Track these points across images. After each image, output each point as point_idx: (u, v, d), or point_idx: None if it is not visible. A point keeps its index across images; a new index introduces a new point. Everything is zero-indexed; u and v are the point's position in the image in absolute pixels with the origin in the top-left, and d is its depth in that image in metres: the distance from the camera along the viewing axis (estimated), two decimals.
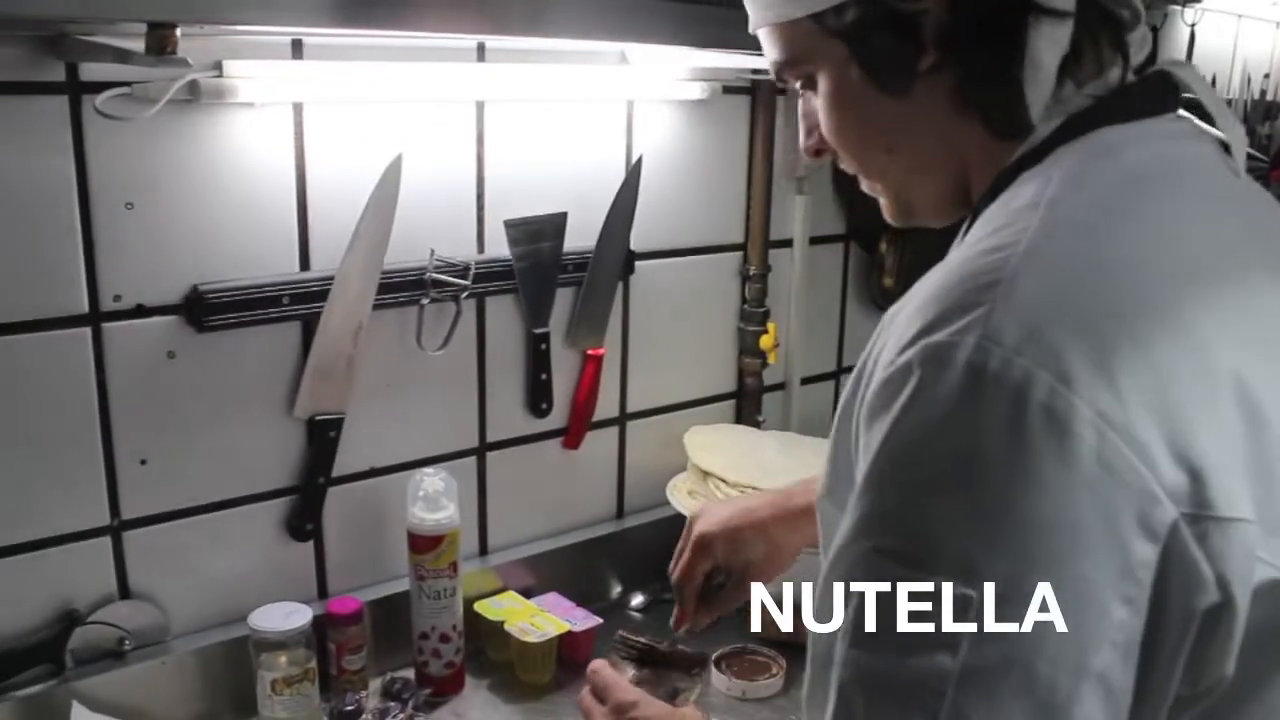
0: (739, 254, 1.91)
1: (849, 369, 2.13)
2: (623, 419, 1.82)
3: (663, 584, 1.78)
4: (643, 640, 1.19)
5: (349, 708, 1.42)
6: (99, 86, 1.22)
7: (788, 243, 1.96)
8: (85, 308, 1.28)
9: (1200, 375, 0.67)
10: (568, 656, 1.57)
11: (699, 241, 1.85)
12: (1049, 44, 0.76)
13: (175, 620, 1.41)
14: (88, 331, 1.29)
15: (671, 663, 1.19)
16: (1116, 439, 0.62)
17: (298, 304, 1.41)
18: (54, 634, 1.31)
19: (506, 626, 1.54)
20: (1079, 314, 0.66)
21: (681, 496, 1.75)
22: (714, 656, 1.55)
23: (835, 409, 2.17)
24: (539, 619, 1.56)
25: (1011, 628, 0.62)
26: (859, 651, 0.67)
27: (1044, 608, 0.62)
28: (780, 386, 2.03)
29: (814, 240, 1.99)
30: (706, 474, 1.72)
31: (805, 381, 2.05)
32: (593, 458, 1.79)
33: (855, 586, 0.68)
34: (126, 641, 1.37)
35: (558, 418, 1.72)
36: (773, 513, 1.26)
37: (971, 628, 0.62)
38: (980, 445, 0.63)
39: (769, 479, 1.66)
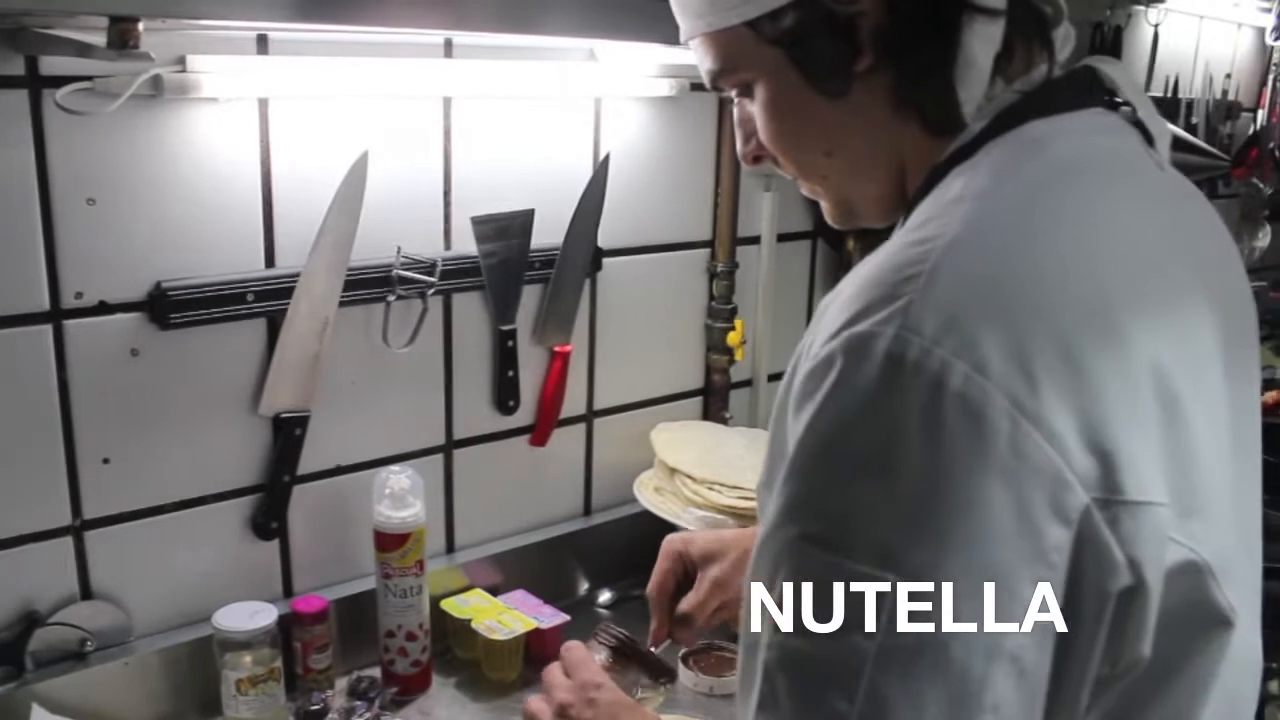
0: (706, 251, 1.91)
1: None
2: (590, 416, 1.82)
3: (631, 580, 1.79)
4: (625, 634, 1.18)
5: (315, 707, 1.41)
6: (60, 81, 1.20)
7: (755, 240, 1.96)
8: (46, 305, 1.26)
9: (1116, 363, 0.68)
10: (535, 654, 1.57)
11: (667, 238, 1.85)
12: (982, 42, 0.78)
13: (138, 620, 1.40)
14: (49, 329, 1.27)
15: (644, 663, 1.19)
16: (1029, 426, 0.64)
17: (263, 301, 1.39)
18: (14, 635, 1.30)
19: (474, 624, 1.53)
20: (997, 305, 0.67)
21: (648, 493, 1.75)
22: (681, 653, 1.55)
23: None
24: (506, 616, 1.56)
25: (926, 610, 0.64)
26: (783, 635, 0.69)
27: (958, 592, 0.64)
28: (747, 383, 2.04)
29: (781, 237, 2.00)
30: (674, 470, 1.72)
31: (772, 378, 2.05)
32: (560, 455, 1.79)
33: (780, 570, 0.69)
34: (88, 643, 1.35)
35: (525, 415, 1.72)
36: (741, 529, 1.27)
37: (887, 611, 0.64)
38: (897, 434, 0.65)
39: (736, 475, 1.66)
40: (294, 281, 1.41)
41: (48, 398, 1.28)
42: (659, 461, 1.77)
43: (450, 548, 1.69)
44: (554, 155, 1.66)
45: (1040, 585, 0.65)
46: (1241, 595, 0.77)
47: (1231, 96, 2.90)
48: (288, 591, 1.53)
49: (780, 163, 0.90)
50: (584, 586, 1.80)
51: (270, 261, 1.41)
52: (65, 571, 1.34)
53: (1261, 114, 2.96)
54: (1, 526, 1.28)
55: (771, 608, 0.70)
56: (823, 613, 0.67)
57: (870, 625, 0.65)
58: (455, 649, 1.59)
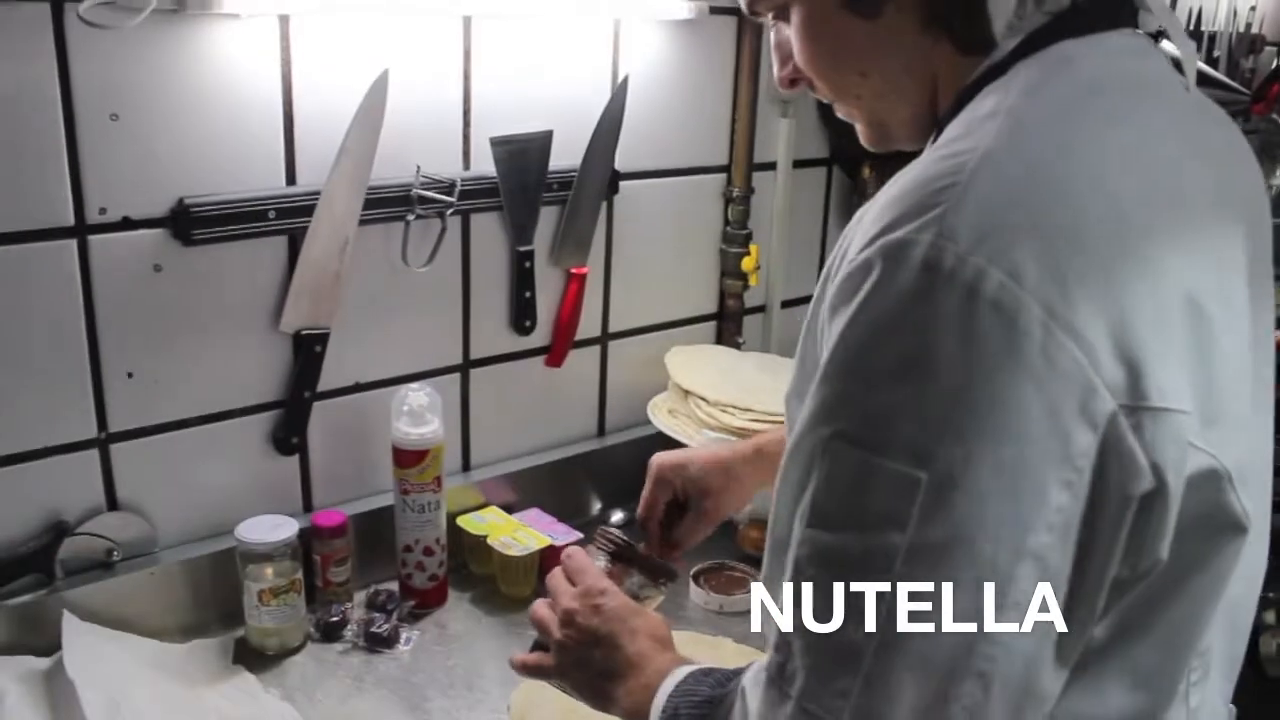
0: (723, 176, 1.91)
1: None
2: (605, 338, 1.83)
3: None
4: (624, 537, 1.20)
5: (334, 619, 1.45)
6: None
7: (771, 166, 1.96)
8: (71, 220, 1.27)
9: (1145, 276, 0.70)
10: (549, 570, 1.60)
11: (683, 163, 1.85)
12: None
13: (163, 532, 1.43)
14: (73, 244, 1.28)
15: (643, 566, 1.21)
16: (1061, 334, 0.66)
17: (284, 219, 1.40)
18: (44, 544, 1.33)
19: (489, 541, 1.56)
20: (1032, 216, 0.69)
21: (662, 415, 1.77)
22: (692, 571, 1.58)
23: None
24: (521, 534, 1.59)
25: (957, 507, 0.66)
26: (815, 530, 0.72)
27: (988, 490, 0.66)
28: (761, 309, 2.05)
29: (797, 164, 2.00)
30: (687, 393, 1.74)
31: (785, 305, 2.07)
32: (575, 376, 1.80)
33: (814, 469, 0.72)
34: (115, 552, 1.39)
35: (541, 336, 1.73)
36: (732, 450, 1.29)
37: (919, 508, 0.67)
38: (932, 337, 0.67)
39: (749, 398, 1.68)
40: (315, 199, 1.42)
41: (73, 312, 1.30)
42: (673, 384, 1.79)
43: (466, 466, 1.71)
44: (573, 77, 1.65)
45: (1066, 487, 0.67)
46: (1256, 504, 0.79)
47: (1255, 29, 2.86)
48: (307, 506, 1.56)
49: (815, 85, 0.91)
50: (597, 506, 1.83)
51: (291, 179, 1.42)
52: (92, 483, 1.37)
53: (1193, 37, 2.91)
54: (30, 438, 1.31)
55: (805, 505, 0.72)
56: (857, 508, 0.69)
57: (903, 521, 0.67)
58: (471, 564, 1.62)
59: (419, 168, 1.50)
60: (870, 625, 0.69)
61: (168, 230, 1.34)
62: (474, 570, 1.61)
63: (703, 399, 1.71)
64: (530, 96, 1.61)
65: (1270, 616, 1.91)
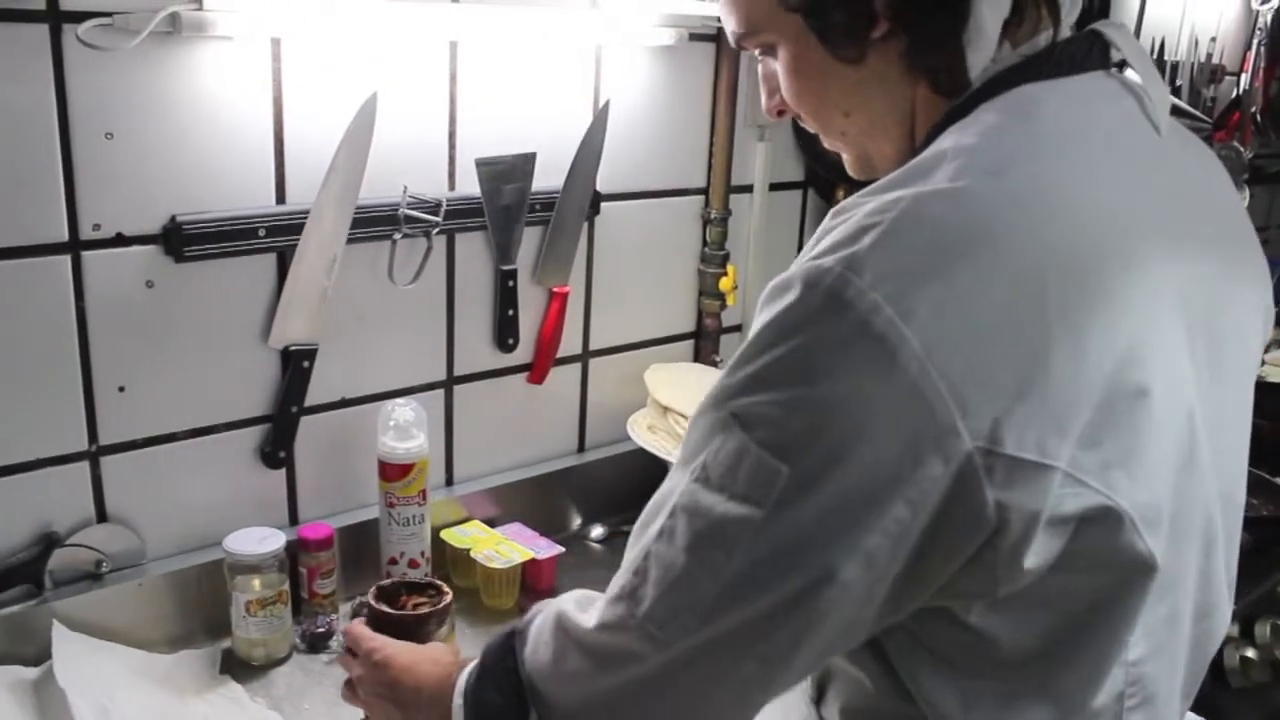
0: (701, 198, 1.95)
1: None
2: (585, 356, 1.87)
3: (622, 516, 1.85)
4: (382, 610, 1.25)
5: (320, 629, 1.47)
6: (80, 16, 1.24)
7: (748, 188, 2.00)
8: (65, 235, 1.30)
9: (1043, 339, 0.74)
10: (531, 583, 1.63)
11: (662, 185, 1.89)
12: (991, 9, 0.83)
13: (151, 544, 1.45)
14: (67, 259, 1.31)
15: (413, 623, 1.26)
16: (936, 377, 0.71)
17: (273, 236, 1.43)
18: (33, 555, 1.35)
19: (473, 553, 1.59)
20: (941, 261, 0.74)
21: (642, 431, 1.81)
22: None
23: None
24: (503, 547, 1.61)
25: (809, 500, 0.74)
26: (698, 485, 0.80)
27: (837, 492, 0.74)
28: (738, 328, 2.09)
29: (774, 186, 2.04)
30: (666, 409, 1.78)
31: None
32: (556, 393, 1.84)
33: (712, 437, 0.80)
34: (104, 564, 1.40)
35: (523, 353, 1.76)
36: None
37: (777, 495, 0.75)
38: (819, 354, 0.74)
39: None
40: (304, 218, 1.45)
41: (66, 326, 1.32)
42: (652, 400, 1.82)
43: (450, 480, 1.74)
44: (556, 101, 1.69)
45: (909, 504, 0.74)
46: (1181, 546, 0.84)
47: (1216, 60, 2.93)
48: (294, 519, 1.58)
49: (802, 119, 0.95)
50: (577, 521, 1.86)
51: (281, 198, 1.45)
52: (82, 495, 1.39)
53: (1245, 78, 2.99)
54: (22, 450, 1.33)
55: (696, 464, 0.80)
56: (732, 478, 0.78)
57: (763, 500, 0.76)
58: (454, 577, 1.64)
59: (406, 188, 1.53)
60: (717, 578, 0.78)
61: (160, 247, 1.37)
62: (457, 583, 1.64)
63: (681, 415, 1.75)
64: (514, 120, 1.65)
65: (1234, 630, 1.96)
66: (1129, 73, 0.89)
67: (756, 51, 0.94)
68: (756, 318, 0.79)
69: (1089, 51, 0.86)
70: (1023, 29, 0.85)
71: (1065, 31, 0.87)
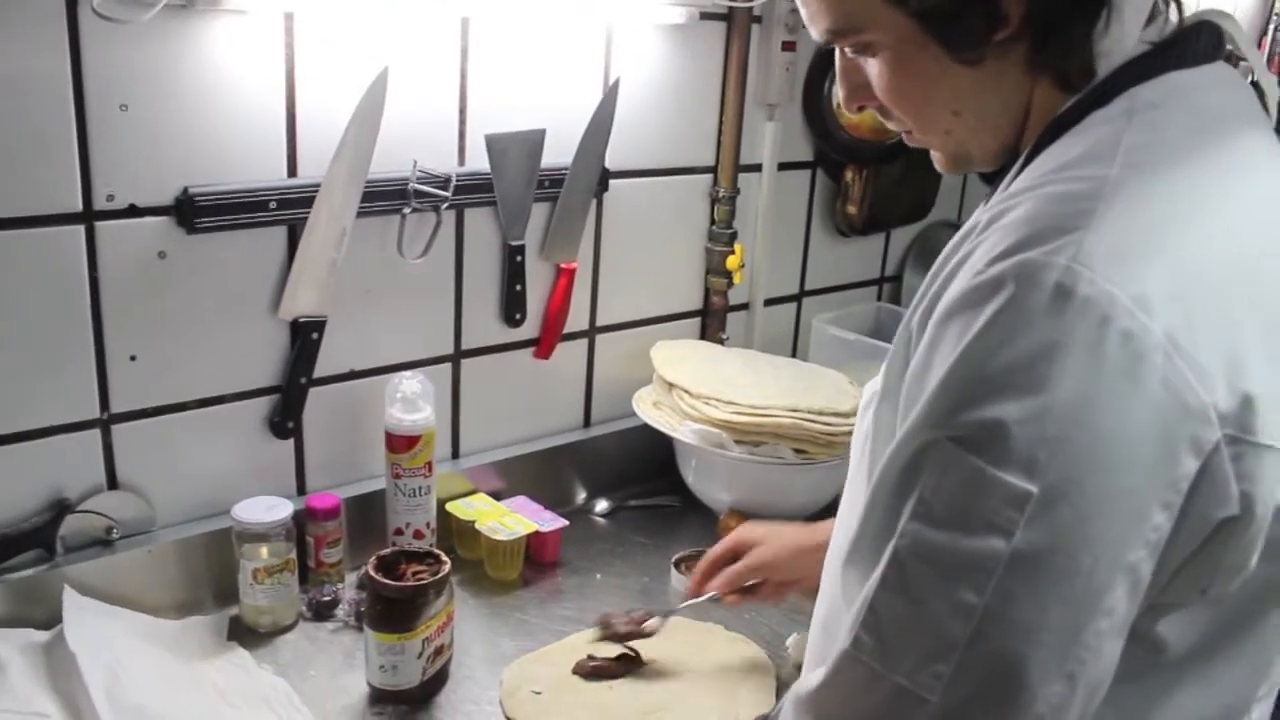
0: (709, 176, 1.96)
1: (812, 292, 2.21)
2: (592, 331, 1.88)
3: (627, 491, 1.87)
4: (379, 580, 1.31)
5: (326, 598, 1.49)
6: None
7: (757, 167, 2.01)
8: (79, 206, 1.31)
9: (1259, 309, 0.74)
10: (535, 556, 1.65)
11: (671, 163, 1.90)
12: (1134, 8, 0.81)
13: (161, 511, 1.47)
14: (81, 229, 1.32)
15: (411, 593, 1.32)
16: (1182, 364, 0.69)
17: (284, 209, 1.45)
18: (45, 521, 1.37)
19: (477, 525, 1.61)
20: (1161, 245, 0.72)
21: (647, 407, 1.82)
22: (674, 559, 1.63)
23: (796, 330, 2.23)
24: (508, 519, 1.63)
25: (1062, 522, 0.69)
26: (920, 525, 0.73)
27: (1095, 508, 0.69)
28: (744, 306, 2.10)
29: (782, 166, 2.05)
30: (671, 386, 1.79)
31: (769, 303, 2.12)
32: (563, 368, 1.85)
33: (925, 468, 0.74)
34: (114, 530, 1.42)
35: (530, 328, 1.78)
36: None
37: (1026, 518, 0.69)
38: (1060, 357, 0.69)
39: (731, 391, 1.73)
40: (314, 191, 1.46)
41: (79, 296, 1.34)
42: (658, 377, 1.83)
43: (456, 453, 1.75)
44: (566, 78, 1.70)
45: (1166, 508, 0.70)
46: None
47: (1231, 45, 2.91)
48: (301, 489, 1.60)
49: (897, 116, 0.90)
50: (582, 495, 1.88)
51: (292, 171, 1.46)
52: (93, 462, 1.40)
53: (1263, 63, 2.98)
54: (34, 418, 1.35)
55: (911, 501, 0.74)
56: (965, 511, 0.71)
57: (1008, 529, 0.70)
58: (459, 549, 1.66)
59: (416, 163, 1.54)
60: (967, 621, 0.71)
61: (172, 218, 1.38)
62: (462, 554, 1.66)
63: (686, 391, 1.76)
64: (524, 96, 1.65)
65: None
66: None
67: (847, 49, 0.89)
68: (943, 327, 0.75)
69: (1215, 42, 0.85)
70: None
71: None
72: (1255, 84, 0.88)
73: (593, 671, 1.38)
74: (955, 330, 0.73)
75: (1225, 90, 0.84)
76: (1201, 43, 0.84)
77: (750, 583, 1.41)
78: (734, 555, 1.41)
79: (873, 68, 0.87)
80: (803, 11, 0.88)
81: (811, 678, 0.82)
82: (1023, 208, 0.76)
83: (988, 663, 0.71)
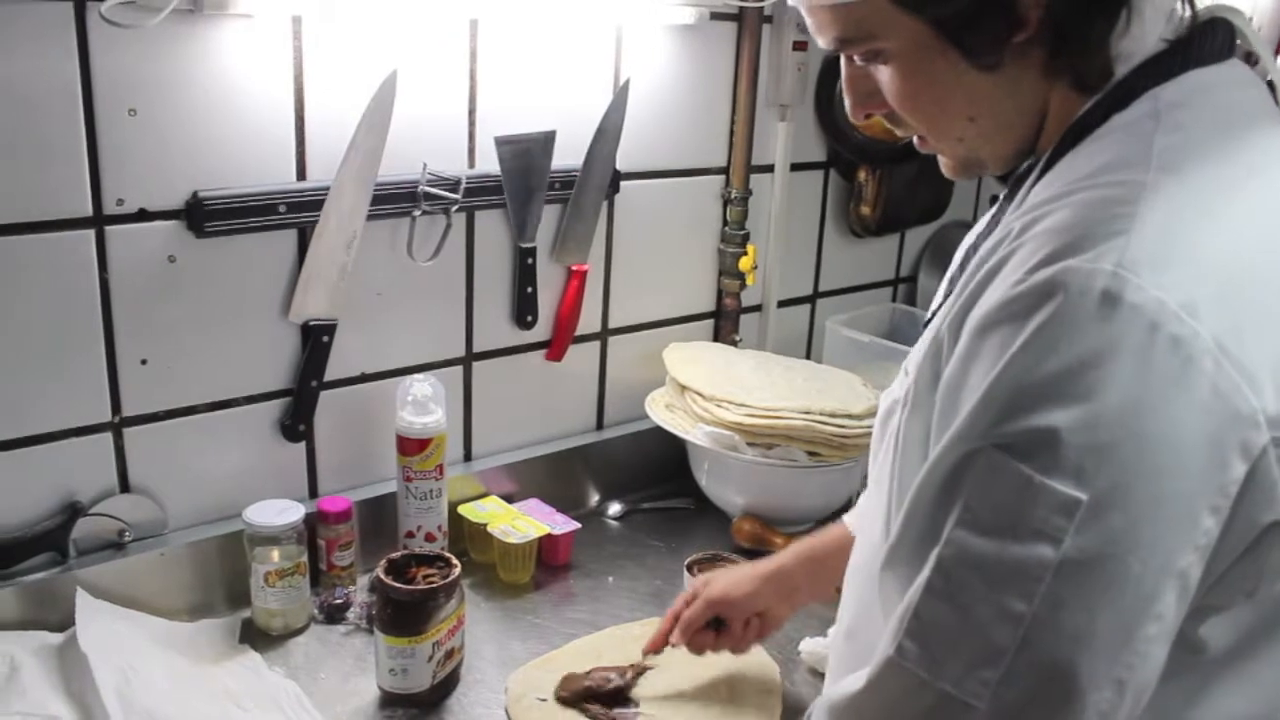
0: (721, 177, 1.95)
1: (825, 293, 2.20)
2: (604, 334, 1.88)
3: (640, 494, 1.87)
4: (390, 583, 1.31)
5: (338, 601, 1.49)
6: None
7: (769, 168, 2.00)
8: (89, 210, 1.32)
9: None
10: (547, 558, 1.65)
11: (683, 164, 1.89)
12: (1154, 8, 0.80)
13: (172, 514, 1.47)
14: (91, 234, 1.33)
15: (421, 596, 1.31)
16: (1230, 369, 0.69)
17: (294, 212, 1.45)
18: (58, 524, 1.37)
19: (489, 528, 1.61)
20: (1205, 251, 0.71)
21: (659, 410, 1.82)
22: (687, 562, 1.62)
23: (810, 332, 2.22)
24: (520, 522, 1.63)
25: (1112, 528, 0.69)
26: (965, 533, 0.73)
27: (1144, 514, 0.69)
28: (757, 308, 2.09)
29: (795, 167, 2.04)
30: (684, 388, 1.78)
31: (782, 304, 2.11)
32: (575, 370, 1.85)
33: (970, 476, 0.73)
34: (126, 533, 1.43)
35: (542, 330, 1.77)
36: (794, 557, 1.35)
37: (1075, 526, 0.69)
38: (1109, 364, 0.68)
39: (743, 394, 1.72)
40: (324, 194, 1.46)
41: (90, 300, 1.34)
42: (670, 379, 1.83)
43: (468, 456, 1.75)
44: (576, 79, 1.70)
45: (1214, 512, 0.70)
46: None
47: (1241, 41, 2.89)
48: (313, 492, 1.60)
49: (909, 123, 0.89)
50: (594, 498, 1.88)
51: (302, 175, 1.47)
52: (105, 465, 1.41)
53: (1277, 61, 2.95)
54: (47, 421, 1.35)
55: (957, 509, 0.74)
56: (1013, 519, 0.71)
57: (1058, 536, 0.69)
58: (471, 552, 1.66)
59: (425, 165, 1.55)
60: (1015, 628, 0.71)
61: (182, 222, 1.38)
62: (474, 557, 1.65)
63: (699, 394, 1.75)
64: (534, 98, 1.65)
65: None
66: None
67: (856, 58, 0.88)
68: (982, 337, 0.74)
69: (1229, 39, 0.84)
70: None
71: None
72: (1269, 82, 0.87)
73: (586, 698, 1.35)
74: (997, 340, 0.73)
75: (1245, 89, 0.83)
76: (1217, 40, 0.83)
77: (715, 623, 1.34)
78: (690, 604, 1.35)
79: (884, 75, 0.86)
80: (809, 21, 0.87)
81: (847, 684, 0.82)
82: (1058, 214, 0.75)
83: (1037, 670, 0.71)
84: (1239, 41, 0.86)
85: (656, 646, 1.35)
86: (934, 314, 0.95)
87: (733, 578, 1.35)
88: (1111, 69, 0.81)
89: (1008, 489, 0.71)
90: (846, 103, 0.92)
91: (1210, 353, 0.68)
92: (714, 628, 1.34)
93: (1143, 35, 0.80)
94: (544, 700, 1.33)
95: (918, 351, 0.91)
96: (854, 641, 1.03)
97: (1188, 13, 0.83)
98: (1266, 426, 0.70)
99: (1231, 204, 0.74)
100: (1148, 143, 0.76)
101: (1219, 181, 0.75)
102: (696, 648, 1.34)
